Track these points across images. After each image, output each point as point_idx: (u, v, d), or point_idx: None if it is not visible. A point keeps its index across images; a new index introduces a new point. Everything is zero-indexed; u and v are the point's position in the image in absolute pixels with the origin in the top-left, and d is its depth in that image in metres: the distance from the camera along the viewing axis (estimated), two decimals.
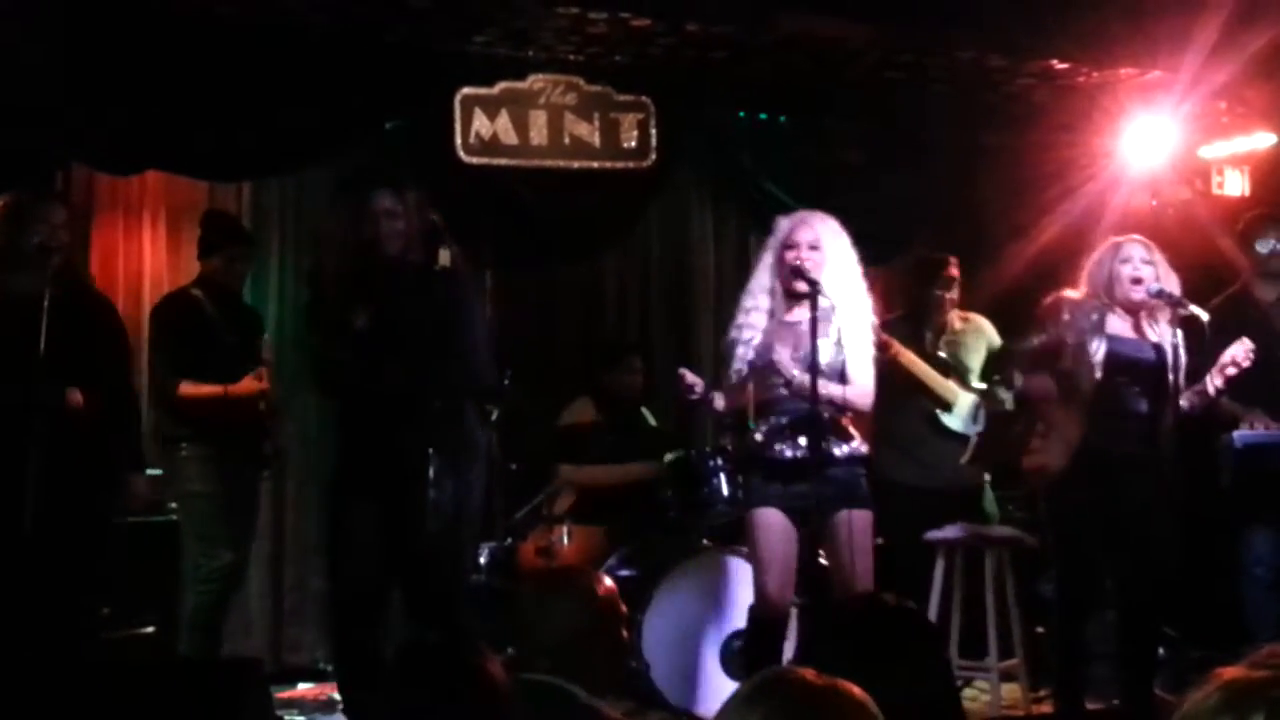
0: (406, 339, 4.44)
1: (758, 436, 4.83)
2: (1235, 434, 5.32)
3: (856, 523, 4.72)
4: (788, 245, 4.84)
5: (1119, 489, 4.96)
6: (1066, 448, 5.01)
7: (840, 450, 4.76)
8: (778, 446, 4.78)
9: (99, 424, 4.81)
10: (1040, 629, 6.14)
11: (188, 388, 5.45)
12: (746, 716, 1.69)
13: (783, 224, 4.94)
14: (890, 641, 2.28)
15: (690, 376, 4.85)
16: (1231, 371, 4.99)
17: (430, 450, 4.28)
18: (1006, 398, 6.02)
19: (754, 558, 4.86)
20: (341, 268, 4.57)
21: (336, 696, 5.70)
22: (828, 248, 4.85)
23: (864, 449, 4.87)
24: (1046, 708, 5.65)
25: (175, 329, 5.60)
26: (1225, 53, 6.32)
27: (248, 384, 5.50)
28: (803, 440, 4.73)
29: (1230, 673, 1.48)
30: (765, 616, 4.80)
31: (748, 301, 4.93)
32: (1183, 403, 4.99)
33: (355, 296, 4.48)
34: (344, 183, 4.93)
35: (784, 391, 4.80)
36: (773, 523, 4.74)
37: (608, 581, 3.10)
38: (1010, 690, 5.84)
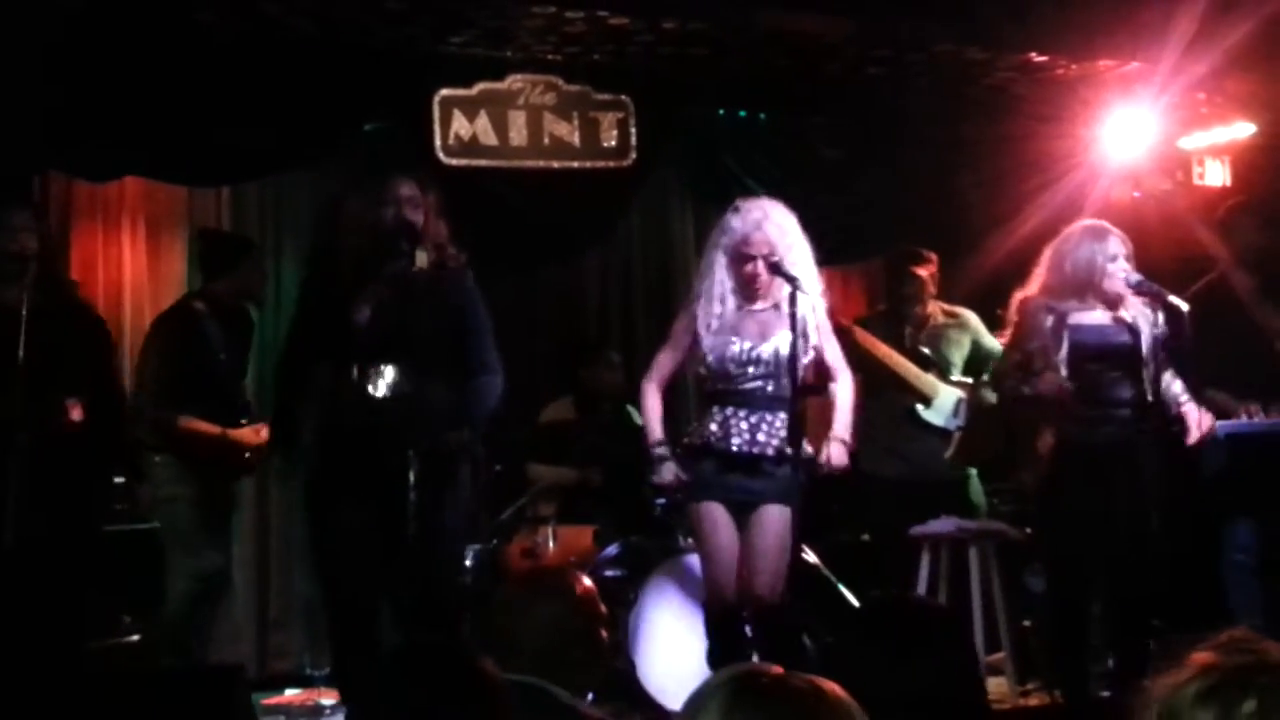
0: (406, 340, 4.42)
1: (713, 426, 4.82)
2: (1218, 424, 5.30)
3: (787, 517, 4.70)
4: (745, 249, 4.78)
5: (1107, 481, 4.95)
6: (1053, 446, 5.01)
7: (799, 450, 4.70)
8: (734, 439, 4.77)
9: (87, 434, 4.77)
10: (1027, 622, 6.13)
11: (186, 422, 5.35)
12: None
13: (735, 226, 4.84)
14: (922, 639, 2.28)
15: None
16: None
17: (410, 453, 4.26)
18: (991, 396, 6.03)
19: (702, 551, 4.86)
20: (363, 249, 4.52)
21: (324, 703, 5.70)
22: (783, 238, 4.81)
23: (810, 450, 4.83)
24: (1034, 701, 5.65)
25: (174, 354, 5.44)
26: (1204, 43, 6.32)
27: (248, 434, 5.43)
28: (760, 435, 4.75)
29: (1204, 658, 1.44)
30: (721, 609, 4.81)
31: (715, 307, 4.84)
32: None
33: (365, 284, 4.46)
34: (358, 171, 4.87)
35: (751, 384, 4.79)
36: (718, 516, 4.77)
37: (586, 581, 3.09)
38: (997, 684, 5.81)
